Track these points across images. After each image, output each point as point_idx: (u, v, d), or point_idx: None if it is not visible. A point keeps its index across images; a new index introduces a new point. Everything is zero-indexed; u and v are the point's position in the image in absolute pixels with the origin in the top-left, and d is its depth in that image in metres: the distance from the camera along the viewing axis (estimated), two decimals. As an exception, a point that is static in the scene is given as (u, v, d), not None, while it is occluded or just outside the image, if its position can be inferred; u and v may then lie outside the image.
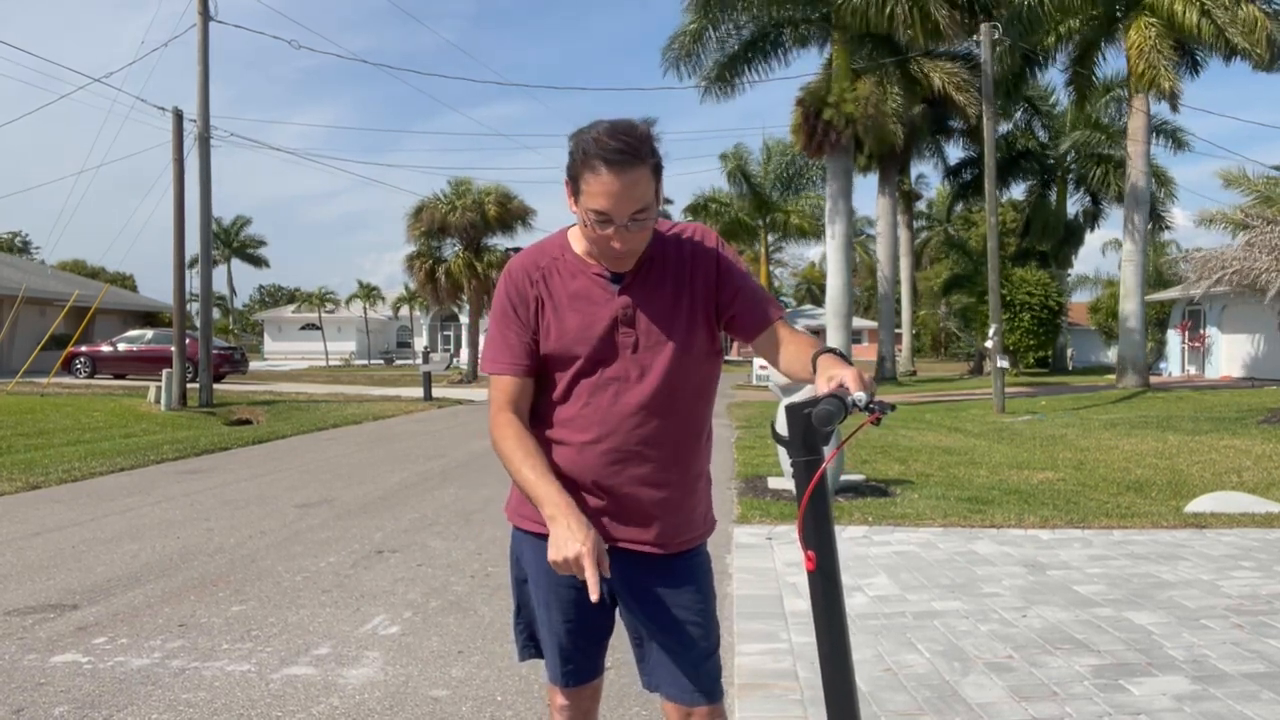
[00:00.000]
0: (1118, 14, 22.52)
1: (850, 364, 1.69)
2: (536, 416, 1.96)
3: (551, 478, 1.82)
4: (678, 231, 1.97)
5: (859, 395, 1.58)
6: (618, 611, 2.02)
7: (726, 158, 36.57)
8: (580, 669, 2.04)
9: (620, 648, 2.03)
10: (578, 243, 1.95)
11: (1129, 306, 22.62)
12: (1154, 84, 20.83)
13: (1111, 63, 26.06)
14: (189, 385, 18.13)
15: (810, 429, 1.59)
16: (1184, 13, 20.30)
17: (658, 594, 1.93)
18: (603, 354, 1.89)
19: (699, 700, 1.90)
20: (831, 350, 1.76)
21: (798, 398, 1.70)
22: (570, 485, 1.88)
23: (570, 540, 1.72)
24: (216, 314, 59.10)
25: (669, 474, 1.92)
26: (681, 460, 1.95)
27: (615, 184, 1.75)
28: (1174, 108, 22.10)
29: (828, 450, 1.65)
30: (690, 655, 1.91)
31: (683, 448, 1.95)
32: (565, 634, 2.00)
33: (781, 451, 7.99)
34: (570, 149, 1.81)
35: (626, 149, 1.75)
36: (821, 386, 1.63)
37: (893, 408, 1.62)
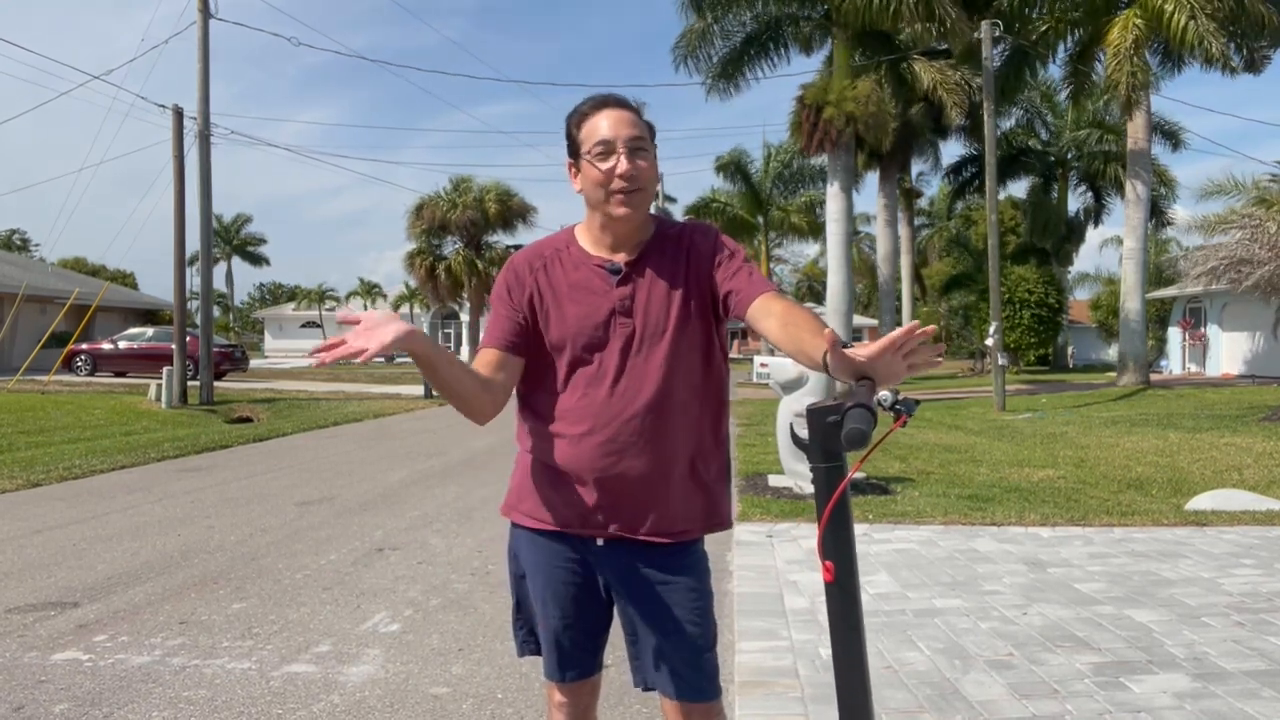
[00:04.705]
0: (1116, 12, 22.49)
1: None
2: (538, 409, 1.97)
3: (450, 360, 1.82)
4: (679, 226, 2.01)
5: (884, 395, 1.49)
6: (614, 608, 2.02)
7: (721, 160, 36.61)
8: (577, 665, 2.03)
9: (620, 645, 2.03)
10: (583, 237, 1.99)
11: (1130, 304, 22.56)
12: (1115, 89, 20.91)
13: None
14: (190, 383, 18.14)
15: (832, 436, 1.51)
16: (1173, 13, 20.16)
17: (654, 588, 1.93)
18: (600, 344, 1.91)
19: (697, 696, 1.90)
20: (846, 345, 1.64)
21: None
22: (567, 476, 1.91)
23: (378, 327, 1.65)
24: (217, 312, 59.03)
25: (665, 465, 1.91)
26: (679, 452, 1.93)
27: (611, 115, 1.90)
28: (1124, 113, 22.20)
29: (848, 457, 1.55)
30: (687, 651, 1.91)
31: (680, 439, 1.93)
32: (562, 629, 2.00)
33: (784, 450, 7.98)
34: (566, 126, 1.96)
35: (617, 96, 1.94)
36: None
37: (917, 404, 1.52)
